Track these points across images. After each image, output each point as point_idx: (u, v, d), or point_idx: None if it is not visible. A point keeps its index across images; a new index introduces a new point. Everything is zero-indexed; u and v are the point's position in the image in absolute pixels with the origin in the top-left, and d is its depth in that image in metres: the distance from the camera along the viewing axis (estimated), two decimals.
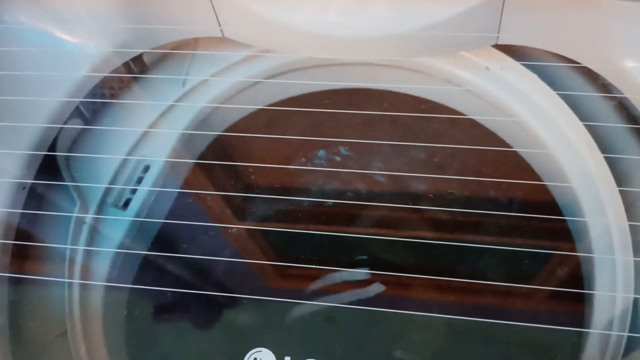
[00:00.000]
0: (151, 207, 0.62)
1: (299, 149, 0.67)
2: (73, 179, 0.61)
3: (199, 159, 0.65)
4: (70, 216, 0.59)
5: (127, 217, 0.61)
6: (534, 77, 0.62)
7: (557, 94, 0.62)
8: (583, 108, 0.62)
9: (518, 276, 0.61)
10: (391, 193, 0.66)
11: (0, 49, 0.60)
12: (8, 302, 0.55)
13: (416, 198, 0.65)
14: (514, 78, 0.63)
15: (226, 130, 0.66)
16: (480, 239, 0.63)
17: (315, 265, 0.59)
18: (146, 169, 0.64)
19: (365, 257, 0.62)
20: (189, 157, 0.65)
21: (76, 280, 0.57)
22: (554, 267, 0.61)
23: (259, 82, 0.65)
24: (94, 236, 0.60)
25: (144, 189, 0.61)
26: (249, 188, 0.65)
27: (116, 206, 0.62)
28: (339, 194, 0.65)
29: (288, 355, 0.54)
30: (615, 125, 0.61)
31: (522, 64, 0.63)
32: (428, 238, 0.61)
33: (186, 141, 0.64)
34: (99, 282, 0.58)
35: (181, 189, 0.64)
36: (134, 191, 0.62)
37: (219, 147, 0.67)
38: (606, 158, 0.59)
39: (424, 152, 0.66)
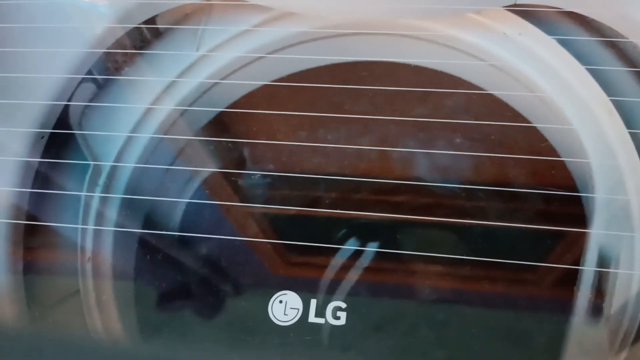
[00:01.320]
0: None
1: (310, 126, 0.66)
2: (86, 142, 0.61)
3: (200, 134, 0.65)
4: (84, 177, 0.59)
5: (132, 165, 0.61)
6: (554, 43, 0.60)
7: (582, 65, 0.60)
8: (608, 81, 0.60)
9: (530, 257, 0.59)
10: (407, 171, 0.65)
11: (11, 2, 0.60)
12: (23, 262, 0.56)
13: (432, 176, 0.64)
14: (534, 45, 0.61)
15: (231, 106, 0.65)
16: (498, 220, 0.61)
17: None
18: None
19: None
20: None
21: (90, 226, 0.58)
22: (566, 248, 0.60)
23: (262, 57, 0.64)
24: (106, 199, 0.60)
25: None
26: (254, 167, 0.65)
27: None
28: (350, 175, 0.64)
29: (314, 299, 0.55)
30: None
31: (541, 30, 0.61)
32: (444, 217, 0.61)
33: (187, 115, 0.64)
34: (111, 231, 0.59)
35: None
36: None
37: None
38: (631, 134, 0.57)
39: (441, 128, 0.65)
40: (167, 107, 0.63)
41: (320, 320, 0.54)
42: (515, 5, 0.60)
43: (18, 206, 0.58)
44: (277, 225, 0.62)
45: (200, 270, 0.60)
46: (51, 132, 0.58)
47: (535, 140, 0.63)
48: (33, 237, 0.58)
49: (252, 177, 0.62)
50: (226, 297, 0.58)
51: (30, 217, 0.58)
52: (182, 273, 0.60)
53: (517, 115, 0.63)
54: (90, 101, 0.62)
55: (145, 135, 0.62)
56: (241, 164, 0.64)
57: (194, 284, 0.59)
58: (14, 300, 0.56)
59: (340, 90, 0.65)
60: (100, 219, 0.59)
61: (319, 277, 0.58)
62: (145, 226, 0.60)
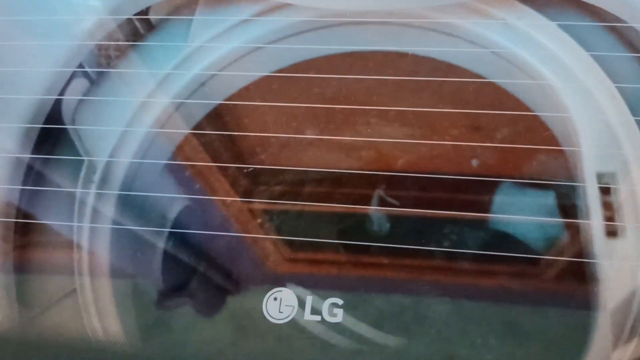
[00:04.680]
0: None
1: (311, 118, 0.65)
2: (80, 138, 0.60)
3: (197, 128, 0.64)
4: (78, 173, 0.59)
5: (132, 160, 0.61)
6: (554, 26, 0.59)
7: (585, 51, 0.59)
8: (609, 66, 0.59)
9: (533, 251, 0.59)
10: (406, 163, 0.64)
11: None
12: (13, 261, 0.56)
13: (433, 168, 0.63)
14: (534, 31, 0.60)
15: (230, 98, 0.64)
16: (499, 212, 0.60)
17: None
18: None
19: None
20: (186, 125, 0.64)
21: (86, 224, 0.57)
22: (569, 240, 0.59)
23: (260, 47, 0.63)
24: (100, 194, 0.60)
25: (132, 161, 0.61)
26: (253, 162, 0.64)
27: None
28: (347, 168, 0.63)
29: (310, 295, 0.54)
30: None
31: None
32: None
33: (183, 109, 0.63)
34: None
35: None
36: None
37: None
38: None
39: (445, 118, 0.64)
40: (163, 100, 0.62)
41: (317, 318, 0.54)
42: None
43: (9, 203, 0.58)
44: (274, 220, 0.61)
45: (196, 267, 0.59)
46: (42, 128, 0.57)
47: (538, 129, 0.62)
48: (25, 236, 0.58)
49: (249, 170, 0.62)
50: (222, 294, 0.58)
51: (22, 215, 0.58)
52: (179, 270, 0.59)
53: (519, 104, 0.62)
54: (82, 99, 0.61)
55: (141, 130, 0.61)
56: (238, 157, 0.63)
57: (191, 280, 0.59)
58: (6, 301, 0.55)
59: (340, 81, 0.64)
60: (95, 216, 0.58)
61: (315, 273, 0.58)
62: (141, 223, 0.60)
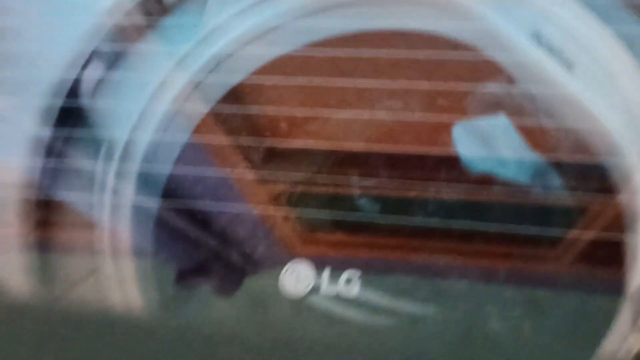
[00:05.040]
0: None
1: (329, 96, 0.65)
2: (99, 117, 0.62)
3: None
4: (98, 152, 0.61)
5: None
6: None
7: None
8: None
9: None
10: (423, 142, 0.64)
11: None
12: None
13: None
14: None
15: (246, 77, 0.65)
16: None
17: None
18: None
19: None
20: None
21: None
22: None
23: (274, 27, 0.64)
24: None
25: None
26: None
27: None
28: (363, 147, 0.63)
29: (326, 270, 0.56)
30: None
31: None
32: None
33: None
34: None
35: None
36: None
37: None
38: None
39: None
40: (180, 80, 0.63)
41: (333, 291, 0.55)
42: None
43: (30, 183, 0.60)
44: (293, 198, 0.62)
45: (215, 244, 0.61)
46: (61, 108, 0.59)
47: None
48: (47, 214, 0.60)
49: (265, 148, 0.63)
50: (241, 271, 0.59)
51: (43, 194, 0.60)
52: (198, 247, 0.61)
53: None
54: (101, 78, 0.63)
55: (159, 108, 0.62)
56: (255, 134, 0.64)
57: (210, 257, 0.61)
58: (29, 280, 0.57)
59: (355, 60, 0.64)
60: (115, 194, 0.60)
61: (333, 250, 0.59)
62: (161, 200, 0.62)
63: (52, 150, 0.60)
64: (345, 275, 0.56)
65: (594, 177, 0.58)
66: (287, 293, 0.56)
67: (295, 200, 0.62)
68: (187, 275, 0.61)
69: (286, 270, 0.56)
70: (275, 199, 0.63)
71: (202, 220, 0.61)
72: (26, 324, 0.52)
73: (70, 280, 0.58)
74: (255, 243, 0.61)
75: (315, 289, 0.56)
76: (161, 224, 0.61)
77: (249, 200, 0.63)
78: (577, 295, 0.55)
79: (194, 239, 0.61)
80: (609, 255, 0.55)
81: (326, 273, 0.56)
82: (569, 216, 0.59)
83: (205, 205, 0.62)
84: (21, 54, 0.61)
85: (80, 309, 0.53)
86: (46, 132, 0.60)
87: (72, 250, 0.59)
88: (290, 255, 0.60)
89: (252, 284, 0.59)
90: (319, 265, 0.58)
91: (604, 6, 0.58)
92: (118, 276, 0.59)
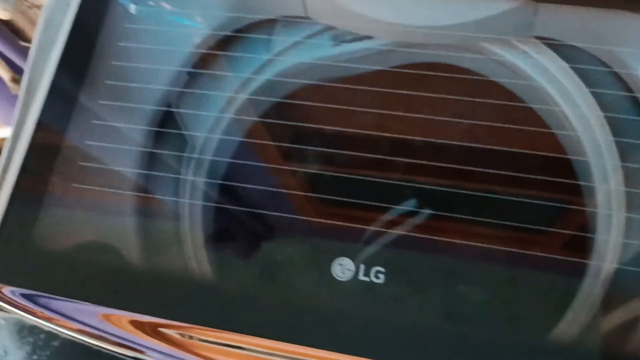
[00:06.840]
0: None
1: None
2: (184, 124, 0.81)
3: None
4: (183, 151, 0.78)
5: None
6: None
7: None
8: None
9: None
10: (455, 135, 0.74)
11: (142, 27, 0.82)
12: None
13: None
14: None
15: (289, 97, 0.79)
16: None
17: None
18: None
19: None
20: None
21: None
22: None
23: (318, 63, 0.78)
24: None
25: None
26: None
27: None
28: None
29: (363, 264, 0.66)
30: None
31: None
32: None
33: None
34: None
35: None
36: None
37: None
38: None
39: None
40: (242, 96, 0.82)
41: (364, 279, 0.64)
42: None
43: (135, 182, 0.78)
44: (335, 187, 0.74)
45: (239, 213, 0.75)
46: (159, 118, 0.80)
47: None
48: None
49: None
50: (259, 237, 0.72)
51: (144, 190, 0.77)
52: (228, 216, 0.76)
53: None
54: (185, 94, 0.81)
55: (227, 117, 0.80)
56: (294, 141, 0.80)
57: (234, 224, 0.75)
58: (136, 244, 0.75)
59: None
60: (194, 186, 0.77)
61: (359, 234, 0.68)
62: (225, 189, 0.78)
63: (153, 155, 0.77)
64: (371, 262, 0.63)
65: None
66: (337, 278, 0.64)
67: (317, 178, 0.74)
68: (215, 238, 0.72)
69: (334, 263, 0.65)
70: (297, 176, 0.76)
71: (239, 196, 0.75)
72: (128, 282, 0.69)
73: (160, 246, 0.73)
74: (275, 211, 0.72)
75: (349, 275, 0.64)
76: (226, 207, 0.77)
77: (276, 177, 0.76)
78: (548, 276, 0.66)
79: (229, 211, 0.76)
80: (579, 245, 0.67)
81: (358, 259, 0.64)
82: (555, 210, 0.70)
83: (244, 185, 0.75)
84: (136, 73, 0.80)
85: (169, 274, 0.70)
86: (150, 138, 0.78)
87: (162, 219, 0.76)
88: (307, 225, 0.72)
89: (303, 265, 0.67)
90: (334, 237, 0.68)
91: None
92: (194, 247, 0.73)
